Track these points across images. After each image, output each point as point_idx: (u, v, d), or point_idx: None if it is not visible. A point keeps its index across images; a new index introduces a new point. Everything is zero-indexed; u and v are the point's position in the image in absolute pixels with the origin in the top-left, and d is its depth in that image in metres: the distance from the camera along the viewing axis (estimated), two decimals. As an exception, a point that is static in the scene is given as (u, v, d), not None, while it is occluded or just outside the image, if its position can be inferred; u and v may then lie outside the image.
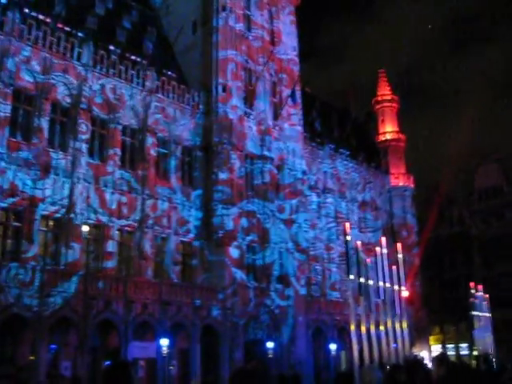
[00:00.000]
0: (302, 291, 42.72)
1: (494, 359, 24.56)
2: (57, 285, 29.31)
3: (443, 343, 67.95)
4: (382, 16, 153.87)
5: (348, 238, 15.47)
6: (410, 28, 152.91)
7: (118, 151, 35.91)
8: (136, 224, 35.57)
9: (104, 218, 34.12)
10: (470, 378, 8.47)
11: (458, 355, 63.59)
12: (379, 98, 64.21)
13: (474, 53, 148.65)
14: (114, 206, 34.68)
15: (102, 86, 35.81)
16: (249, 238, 39.97)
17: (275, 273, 41.07)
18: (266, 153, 42.62)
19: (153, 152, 37.52)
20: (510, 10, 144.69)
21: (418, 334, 48.29)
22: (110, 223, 34.39)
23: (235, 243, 38.62)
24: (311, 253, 46.39)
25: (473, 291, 26.86)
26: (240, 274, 38.51)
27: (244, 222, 39.66)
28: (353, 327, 14.48)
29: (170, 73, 41.76)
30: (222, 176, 38.74)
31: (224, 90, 40.96)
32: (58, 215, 32.31)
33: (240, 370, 6.33)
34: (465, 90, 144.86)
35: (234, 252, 38.52)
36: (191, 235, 38.68)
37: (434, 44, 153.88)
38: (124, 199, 35.37)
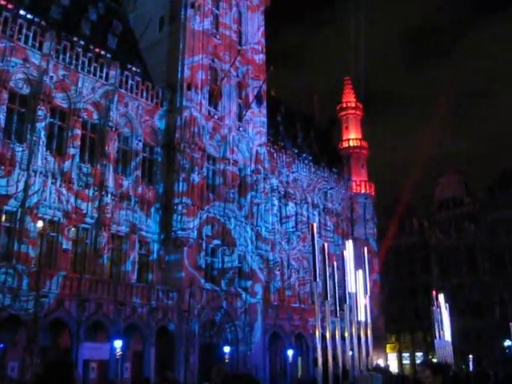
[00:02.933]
0: (259, 296, 42.18)
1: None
2: (6, 281, 28.13)
3: (399, 352, 68.30)
4: (344, 24, 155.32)
5: (315, 240, 14.86)
6: (370, 37, 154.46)
7: (78, 145, 34.78)
8: (93, 221, 34.50)
9: (59, 214, 32.95)
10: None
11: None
12: (344, 105, 64.27)
13: (434, 65, 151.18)
14: (70, 202, 33.52)
15: (64, 78, 34.68)
16: (210, 239, 39.33)
17: (238, 273, 40.61)
18: (228, 154, 42.03)
19: (113, 148, 36.48)
20: (466, 27, 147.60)
21: (375, 342, 48.13)
22: (66, 219, 33.22)
23: (194, 245, 37.87)
24: (271, 257, 45.91)
25: (434, 300, 26.80)
26: (198, 276, 37.78)
27: (205, 224, 38.94)
28: (317, 333, 13.89)
29: (134, 68, 40.85)
30: (184, 184, 37.81)
31: (189, 88, 40.19)
32: (11, 209, 31.05)
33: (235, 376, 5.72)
34: (427, 101, 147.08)
35: (192, 253, 37.77)
36: (149, 235, 37.74)
37: (394, 55, 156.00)
38: (81, 195, 34.25)
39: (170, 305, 35.66)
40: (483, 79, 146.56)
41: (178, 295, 36.17)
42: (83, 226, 34.31)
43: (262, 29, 48.90)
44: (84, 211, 34.17)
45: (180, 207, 37.40)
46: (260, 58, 47.57)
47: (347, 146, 62.08)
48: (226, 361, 36.71)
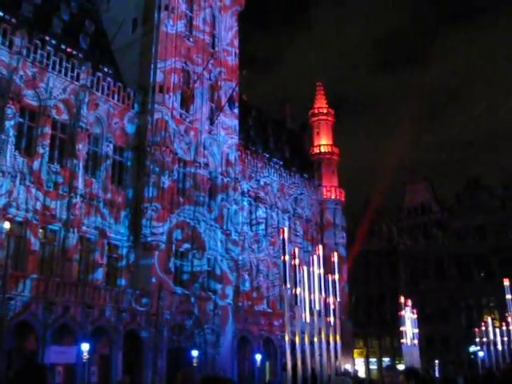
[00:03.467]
0: (229, 299, 42.15)
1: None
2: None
3: (367, 357, 68.67)
4: (318, 29, 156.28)
5: (285, 245, 14.90)
6: (343, 43, 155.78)
7: (47, 144, 34.30)
8: (61, 223, 34.03)
9: (27, 215, 32.43)
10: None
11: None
12: (316, 111, 64.46)
13: (407, 71, 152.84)
14: (38, 203, 33.04)
15: (34, 76, 34.22)
16: (180, 243, 39.16)
17: (208, 276, 40.50)
18: (199, 157, 41.91)
19: (83, 149, 36.06)
20: (437, 33, 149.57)
21: (343, 348, 48.42)
22: (34, 220, 32.71)
23: (164, 249, 37.63)
24: (240, 262, 45.82)
25: (402, 306, 27.01)
26: (168, 280, 37.55)
27: (175, 228, 38.74)
28: (286, 337, 13.91)
29: (106, 69, 40.48)
30: (154, 188, 37.57)
31: (161, 91, 39.98)
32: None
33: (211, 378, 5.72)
34: (397, 106, 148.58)
35: (162, 257, 37.54)
36: (119, 237, 37.39)
37: (364, 61, 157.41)
38: (50, 196, 33.78)
39: (139, 308, 35.37)
40: (453, 85, 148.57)
41: (148, 299, 35.89)
42: (51, 227, 33.85)
43: (235, 29, 48.87)
44: (53, 212, 33.71)
45: (150, 211, 37.13)
46: (232, 59, 47.54)
47: (318, 151, 62.30)
48: (194, 364, 36.56)
